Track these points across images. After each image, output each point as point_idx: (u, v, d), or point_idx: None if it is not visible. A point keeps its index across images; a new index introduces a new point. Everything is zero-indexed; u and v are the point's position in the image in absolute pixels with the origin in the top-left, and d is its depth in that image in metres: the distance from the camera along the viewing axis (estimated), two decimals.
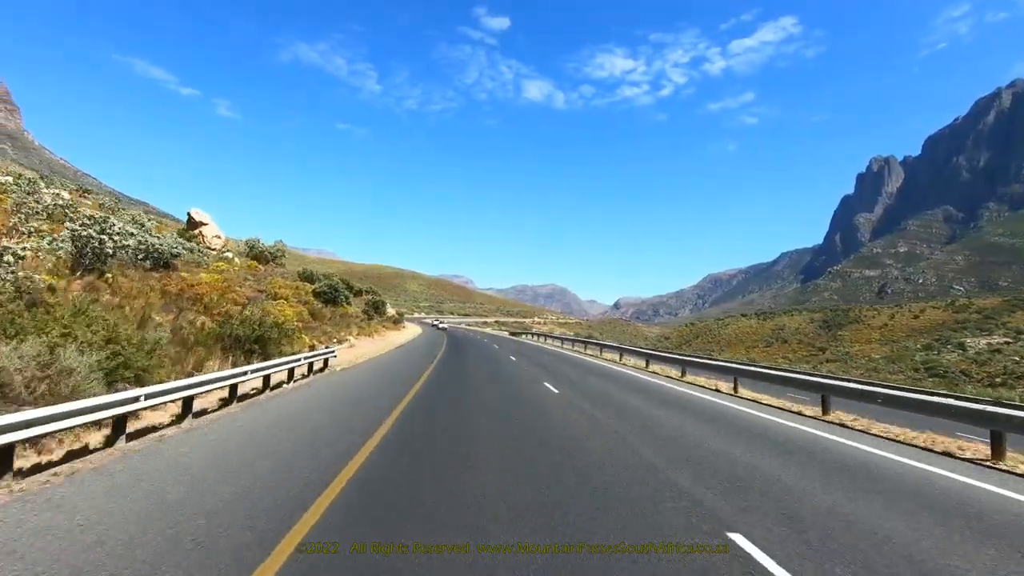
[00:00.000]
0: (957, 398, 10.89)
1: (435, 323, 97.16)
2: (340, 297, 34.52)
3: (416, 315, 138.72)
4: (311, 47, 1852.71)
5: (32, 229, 14.39)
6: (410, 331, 49.25)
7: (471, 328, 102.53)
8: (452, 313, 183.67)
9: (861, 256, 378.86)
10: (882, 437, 9.22)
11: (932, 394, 10.76)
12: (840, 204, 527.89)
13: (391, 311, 53.70)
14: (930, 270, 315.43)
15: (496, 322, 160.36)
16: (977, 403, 8.82)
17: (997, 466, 7.42)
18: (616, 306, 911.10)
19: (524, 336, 65.89)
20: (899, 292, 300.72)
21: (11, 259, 9.90)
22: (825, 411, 11.43)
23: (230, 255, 29.87)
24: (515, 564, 3.85)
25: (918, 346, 73.16)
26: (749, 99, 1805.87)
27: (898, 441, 8.97)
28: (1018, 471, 7.15)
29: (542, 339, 54.15)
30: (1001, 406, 8.47)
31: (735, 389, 15.32)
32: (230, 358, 11.90)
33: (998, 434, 7.77)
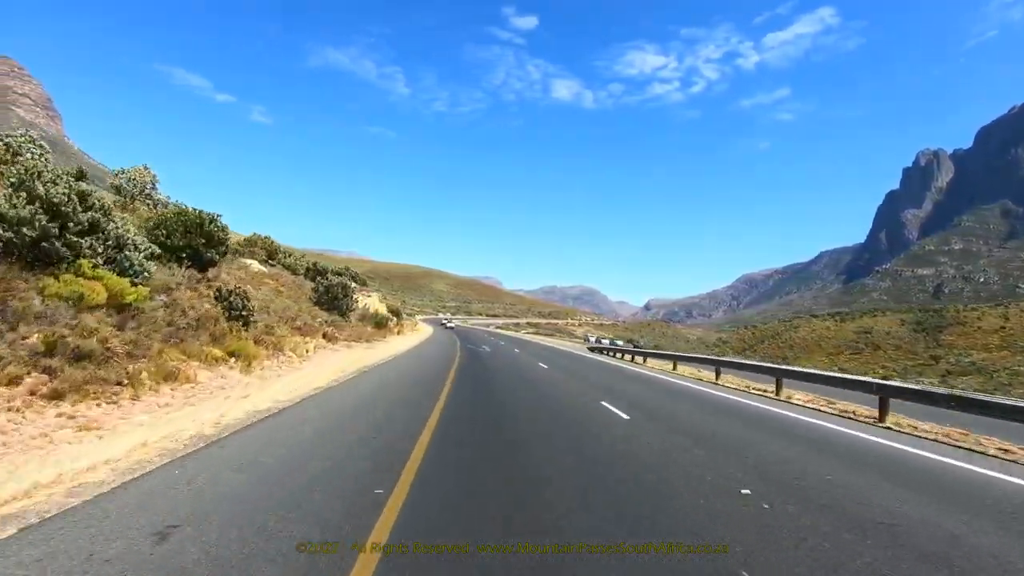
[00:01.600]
0: None
1: (444, 322, 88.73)
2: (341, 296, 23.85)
3: (438, 316, 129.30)
4: (340, 51, 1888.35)
5: None
6: (410, 339, 37.13)
7: (499, 332, 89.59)
8: (479, 314, 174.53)
9: (912, 254, 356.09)
10: None
11: None
12: (885, 200, 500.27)
13: (370, 303, 38.81)
14: (991, 268, 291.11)
15: (527, 323, 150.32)
16: None
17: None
18: (647, 307, 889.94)
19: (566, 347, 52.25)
20: (957, 292, 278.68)
21: None
22: None
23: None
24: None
25: None
26: (784, 95, 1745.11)
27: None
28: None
29: (610, 354, 37.84)
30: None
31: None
32: None
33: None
